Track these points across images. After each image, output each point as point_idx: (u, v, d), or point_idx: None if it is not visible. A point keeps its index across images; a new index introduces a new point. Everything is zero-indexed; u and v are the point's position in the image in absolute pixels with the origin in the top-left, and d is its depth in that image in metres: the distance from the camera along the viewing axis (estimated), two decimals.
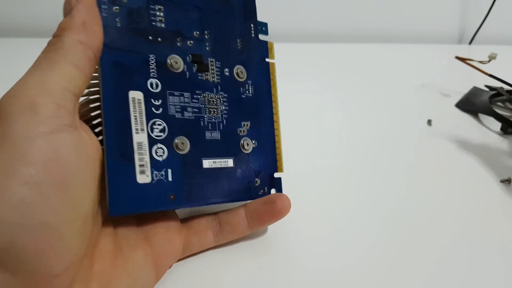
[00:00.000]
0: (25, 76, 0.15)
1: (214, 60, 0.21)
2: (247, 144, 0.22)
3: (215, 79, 0.21)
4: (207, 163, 0.20)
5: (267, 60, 0.24)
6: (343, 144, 0.33)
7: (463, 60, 0.43)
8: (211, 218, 0.21)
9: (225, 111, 0.21)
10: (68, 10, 0.17)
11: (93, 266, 0.16)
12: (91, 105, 0.18)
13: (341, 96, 0.43)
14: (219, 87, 0.21)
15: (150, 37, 0.19)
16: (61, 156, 0.14)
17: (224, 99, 0.21)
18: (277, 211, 0.21)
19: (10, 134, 0.13)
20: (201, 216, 0.21)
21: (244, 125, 0.22)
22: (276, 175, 0.23)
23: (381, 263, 0.21)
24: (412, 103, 0.42)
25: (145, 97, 0.18)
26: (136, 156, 0.18)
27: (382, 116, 0.39)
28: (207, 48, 0.21)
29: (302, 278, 0.20)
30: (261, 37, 0.23)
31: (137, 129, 0.18)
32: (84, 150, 0.15)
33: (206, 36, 0.21)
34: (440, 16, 0.66)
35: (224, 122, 0.21)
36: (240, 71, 0.22)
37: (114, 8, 0.18)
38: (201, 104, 0.20)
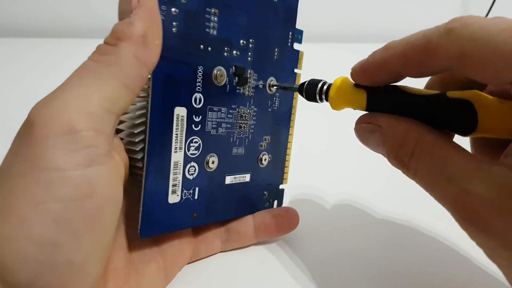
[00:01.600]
0: (66, 91, 0.13)
1: (253, 72, 0.20)
2: (265, 160, 0.22)
3: (250, 92, 0.20)
4: (229, 179, 0.20)
5: (295, 70, 0.23)
6: (343, 144, 0.33)
7: None
8: (220, 227, 0.21)
9: (252, 126, 0.21)
10: (126, 10, 0.14)
11: (106, 285, 0.16)
12: (136, 122, 0.16)
13: None
14: (252, 101, 0.20)
15: (202, 46, 0.17)
16: (96, 192, 0.13)
17: (253, 114, 0.20)
18: (285, 226, 0.22)
19: (43, 162, 0.12)
20: (211, 226, 0.21)
21: (265, 139, 0.22)
22: (281, 186, 0.24)
23: (383, 268, 0.23)
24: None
25: (187, 113, 0.17)
26: (171, 176, 0.17)
27: None
28: (249, 58, 0.19)
29: (301, 277, 0.21)
30: (296, 46, 0.22)
31: (175, 148, 0.17)
32: (117, 179, 0.14)
33: (250, 45, 0.19)
34: (440, 16, 0.66)
35: (250, 137, 0.21)
36: (272, 83, 0.21)
37: (173, 10, 0.16)
38: (234, 120, 0.19)
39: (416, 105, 0.16)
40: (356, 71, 0.17)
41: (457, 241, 0.24)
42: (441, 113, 0.15)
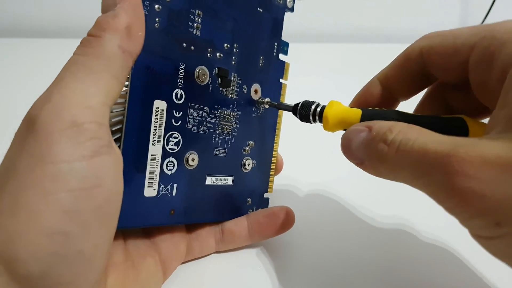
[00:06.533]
0: (63, 88, 0.13)
1: (237, 75, 0.20)
2: (248, 164, 0.22)
3: (234, 95, 0.20)
4: (209, 180, 0.20)
5: (281, 80, 0.23)
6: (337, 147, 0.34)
7: None
8: (214, 226, 0.21)
9: (235, 129, 0.21)
10: (110, 4, 0.15)
11: (107, 279, 0.16)
12: (114, 111, 0.17)
13: (341, 96, 0.43)
14: (235, 104, 0.21)
15: (184, 44, 0.18)
16: (103, 182, 0.13)
17: (237, 117, 0.21)
18: (280, 226, 0.21)
19: (50, 156, 0.12)
20: (205, 224, 0.21)
21: (249, 144, 0.22)
22: (265, 195, 0.24)
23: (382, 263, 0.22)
24: (412, 103, 0.43)
25: (168, 107, 0.17)
26: (148, 169, 0.17)
27: None
28: (233, 62, 0.20)
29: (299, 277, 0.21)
30: (281, 57, 0.23)
31: (154, 141, 0.17)
32: (119, 169, 0.15)
33: (234, 50, 0.20)
34: (440, 16, 0.66)
35: (233, 140, 0.21)
36: (256, 90, 0.22)
37: (157, 6, 0.16)
38: (216, 120, 0.20)
39: (412, 120, 0.17)
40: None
41: (446, 238, 0.24)
42: (437, 127, 0.15)
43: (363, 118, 0.17)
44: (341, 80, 0.47)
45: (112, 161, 0.14)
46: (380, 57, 0.55)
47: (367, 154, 0.15)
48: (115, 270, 0.16)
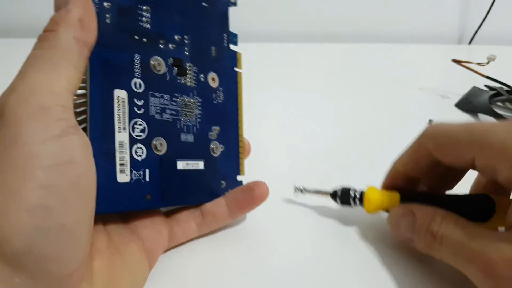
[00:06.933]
0: (26, 78, 0.14)
1: (192, 65, 0.22)
2: (216, 148, 0.23)
3: (192, 83, 0.22)
4: (181, 165, 0.21)
5: (235, 69, 0.25)
6: (343, 144, 0.34)
7: (459, 62, 0.43)
8: (193, 210, 0.22)
9: (199, 115, 0.22)
10: (61, 2, 0.16)
11: (92, 264, 0.16)
12: (76, 101, 0.18)
13: (340, 96, 0.43)
14: (195, 92, 0.22)
15: (136, 37, 0.19)
16: (74, 158, 0.14)
17: (198, 104, 0.22)
18: (256, 198, 0.23)
19: (22, 138, 0.13)
20: (183, 208, 0.22)
21: (214, 129, 0.23)
22: (238, 177, 0.25)
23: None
24: (412, 103, 0.42)
25: (128, 96, 0.18)
26: (117, 155, 0.18)
27: (383, 116, 0.39)
28: (186, 53, 0.21)
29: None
30: (232, 47, 0.25)
31: (119, 128, 0.18)
32: (89, 149, 0.15)
33: (186, 41, 0.21)
34: (439, 17, 0.67)
35: (198, 125, 0.22)
36: (213, 78, 0.23)
37: (106, 4, 0.18)
38: (179, 107, 0.21)
39: (442, 200, 0.21)
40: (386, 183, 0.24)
41: None
42: (464, 205, 0.21)
43: (402, 200, 0.22)
44: (341, 80, 0.48)
45: (81, 140, 0.15)
46: (380, 58, 0.57)
47: (417, 239, 0.20)
48: (100, 255, 0.17)
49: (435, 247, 0.19)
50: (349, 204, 0.23)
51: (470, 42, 0.68)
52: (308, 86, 0.46)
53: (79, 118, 0.17)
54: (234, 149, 0.24)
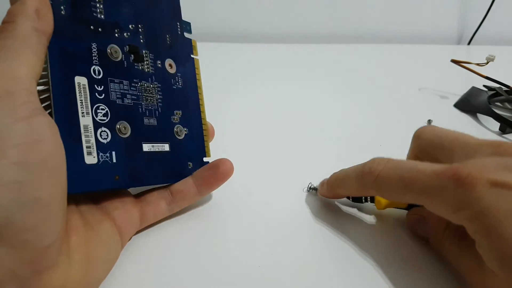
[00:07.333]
0: None
1: (148, 52, 0.23)
2: (180, 131, 0.24)
3: (150, 69, 0.23)
4: (146, 147, 0.22)
5: (192, 56, 0.26)
6: (342, 144, 0.34)
7: (458, 63, 0.43)
8: (162, 190, 0.23)
9: (159, 100, 0.23)
10: None
11: (69, 240, 0.17)
12: (39, 89, 0.18)
13: (340, 96, 0.44)
14: (154, 78, 0.23)
15: (92, 27, 0.20)
16: (43, 137, 0.15)
17: (158, 89, 0.23)
18: (221, 174, 0.24)
19: None
20: (153, 190, 0.23)
21: (176, 113, 0.24)
22: (205, 159, 0.26)
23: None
24: (411, 103, 0.43)
25: (89, 82, 0.19)
26: (83, 138, 0.19)
27: (382, 116, 0.39)
28: (142, 40, 0.22)
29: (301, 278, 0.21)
30: (186, 35, 0.26)
31: (83, 113, 0.19)
32: (56, 130, 0.16)
33: (140, 30, 0.22)
34: (439, 17, 0.67)
35: (160, 110, 0.23)
36: (170, 64, 0.24)
37: None
38: (139, 92, 0.22)
39: None
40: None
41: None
42: None
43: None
44: (340, 80, 0.48)
45: (48, 121, 0.16)
46: (379, 58, 0.57)
47: (431, 239, 0.22)
48: (76, 232, 0.18)
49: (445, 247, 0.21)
50: (360, 202, 0.26)
51: (469, 43, 0.68)
52: (308, 86, 0.46)
53: (44, 104, 0.18)
54: (198, 132, 0.25)
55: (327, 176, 0.25)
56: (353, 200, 0.26)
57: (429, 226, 0.22)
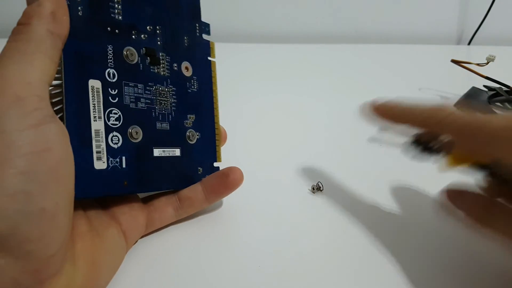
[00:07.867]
0: (1, 70, 0.15)
1: (164, 54, 0.22)
2: (192, 135, 0.24)
3: (166, 73, 0.22)
4: (157, 152, 0.22)
5: (209, 58, 0.25)
6: (342, 144, 0.34)
7: (458, 63, 0.43)
8: (170, 195, 0.23)
9: (173, 104, 0.23)
10: None
11: (75, 246, 0.17)
12: (52, 92, 0.18)
13: (340, 96, 0.44)
14: (169, 81, 0.22)
15: (109, 29, 0.19)
16: (52, 146, 0.15)
17: (173, 92, 0.23)
18: (230, 183, 0.23)
19: (1, 127, 0.14)
20: (161, 195, 0.23)
21: (189, 117, 0.24)
22: (215, 164, 0.25)
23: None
24: None
25: (103, 86, 0.19)
26: (94, 143, 0.19)
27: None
28: (159, 43, 0.22)
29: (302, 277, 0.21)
30: (205, 36, 0.25)
31: (95, 117, 0.19)
32: (66, 137, 0.16)
33: (158, 31, 0.22)
34: (439, 17, 0.67)
35: (173, 114, 0.23)
36: (186, 67, 0.24)
37: None
38: (153, 96, 0.22)
39: None
40: None
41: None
42: None
43: None
44: (340, 81, 0.48)
45: (58, 128, 0.16)
46: (379, 58, 0.57)
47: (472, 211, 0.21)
48: (81, 238, 0.18)
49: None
50: (431, 152, 0.22)
51: (469, 43, 0.68)
52: (308, 86, 0.46)
53: (56, 108, 0.18)
54: (210, 136, 0.25)
55: (331, 175, 0.25)
56: (422, 149, 0.22)
57: (470, 200, 0.21)
